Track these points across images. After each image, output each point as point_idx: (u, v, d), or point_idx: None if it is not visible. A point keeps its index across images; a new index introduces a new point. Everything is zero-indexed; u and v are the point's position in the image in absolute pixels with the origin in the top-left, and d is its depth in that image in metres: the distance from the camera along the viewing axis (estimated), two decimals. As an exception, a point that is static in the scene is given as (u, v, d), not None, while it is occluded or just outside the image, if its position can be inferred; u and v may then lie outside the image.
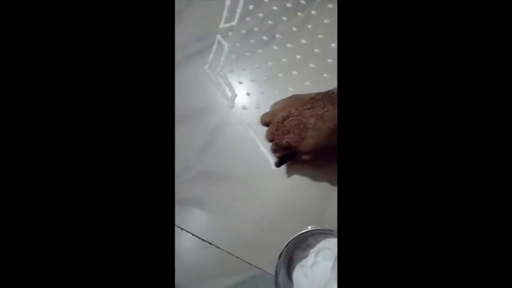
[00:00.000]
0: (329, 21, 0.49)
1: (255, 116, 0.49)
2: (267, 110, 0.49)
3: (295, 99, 0.40)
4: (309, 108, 0.37)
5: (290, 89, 0.49)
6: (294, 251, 0.42)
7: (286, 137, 0.38)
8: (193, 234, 0.47)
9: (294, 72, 0.49)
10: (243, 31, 0.53)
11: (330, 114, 0.35)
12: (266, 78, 0.50)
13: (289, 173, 0.46)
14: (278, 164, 0.44)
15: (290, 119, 0.38)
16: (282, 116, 0.38)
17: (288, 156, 0.42)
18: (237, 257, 0.45)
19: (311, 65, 0.49)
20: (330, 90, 0.37)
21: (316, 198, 0.44)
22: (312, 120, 0.36)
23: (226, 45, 0.53)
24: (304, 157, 0.39)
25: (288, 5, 0.52)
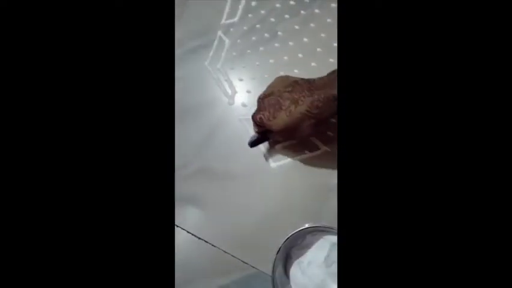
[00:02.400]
0: (332, 20, 0.49)
1: (255, 113, 0.49)
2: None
3: (283, 80, 0.41)
4: (288, 91, 0.39)
5: (291, 87, 0.48)
6: (292, 248, 0.41)
7: (261, 113, 0.40)
8: (188, 232, 0.46)
9: (296, 71, 0.49)
10: (245, 28, 0.52)
11: (304, 100, 0.37)
12: (267, 75, 0.50)
13: (287, 170, 0.46)
14: (251, 144, 0.44)
15: (269, 98, 0.40)
16: (264, 94, 0.41)
17: (261, 136, 0.43)
18: (233, 256, 0.44)
19: (313, 64, 0.48)
20: (312, 78, 0.39)
21: (313, 196, 0.44)
22: (287, 103, 0.38)
23: (227, 41, 0.53)
24: (275, 138, 0.41)
25: (291, 2, 0.51)
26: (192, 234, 0.46)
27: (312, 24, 0.50)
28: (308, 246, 0.40)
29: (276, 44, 0.50)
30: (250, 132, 0.48)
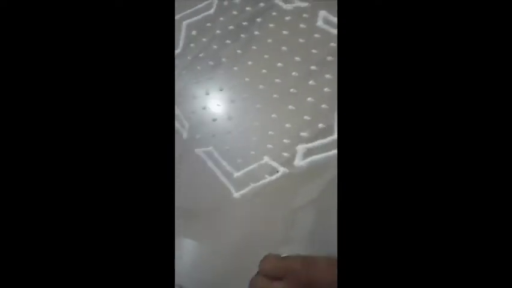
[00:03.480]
0: (272, 41, 0.48)
1: (211, 144, 0.48)
2: (221, 137, 0.48)
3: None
4: None
5: (243, 114, 0.48)
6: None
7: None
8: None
9: (245, 95, 0.48)
10: (189, 58, 0.52)
11: None
12: (218, 104, 0.49)
13: (251, 199, 0.45)
14: None
15: None
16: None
17: None
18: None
19: (261, 87, 0.48)
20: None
21: (279, 221, 0.43)
22: None
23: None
24: None
25: (230, 27, 0.51)
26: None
27: (253, 47, 0.49)
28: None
29: (221, 71, 0.50)
30: (209, 164, 0.47)
